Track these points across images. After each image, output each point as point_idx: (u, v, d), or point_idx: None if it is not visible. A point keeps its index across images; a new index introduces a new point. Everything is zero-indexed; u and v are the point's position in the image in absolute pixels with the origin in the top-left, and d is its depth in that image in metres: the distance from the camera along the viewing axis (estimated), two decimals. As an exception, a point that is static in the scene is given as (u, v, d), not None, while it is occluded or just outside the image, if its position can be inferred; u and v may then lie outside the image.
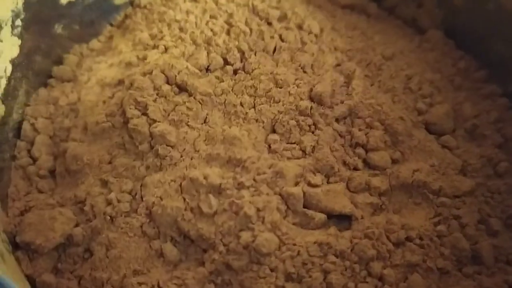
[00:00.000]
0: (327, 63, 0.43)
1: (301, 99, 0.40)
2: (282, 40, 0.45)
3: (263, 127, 0.39)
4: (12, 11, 0.40)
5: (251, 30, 0.45)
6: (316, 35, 0.45)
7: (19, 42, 0.41)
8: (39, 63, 0.45)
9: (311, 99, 0.40)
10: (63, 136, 0.43)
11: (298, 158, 0.38)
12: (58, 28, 0.46)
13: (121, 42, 0.48)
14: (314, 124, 0.39)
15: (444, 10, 0.49)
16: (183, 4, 0.49)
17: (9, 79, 0.41)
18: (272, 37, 0.45)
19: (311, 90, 0.41)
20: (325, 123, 0.39)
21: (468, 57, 0.47)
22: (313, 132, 0.39)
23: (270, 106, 0.40)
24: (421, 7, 0.51)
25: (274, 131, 0.39)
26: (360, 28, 0.48)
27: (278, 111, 0.40)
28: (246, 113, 0.40)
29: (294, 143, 0.39)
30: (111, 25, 0.51)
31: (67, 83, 0.46)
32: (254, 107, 0.40)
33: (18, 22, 0.41)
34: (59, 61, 0.47)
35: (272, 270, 0.34)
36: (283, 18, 0.46)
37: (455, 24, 0.48)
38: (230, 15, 0.47)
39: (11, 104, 0.42)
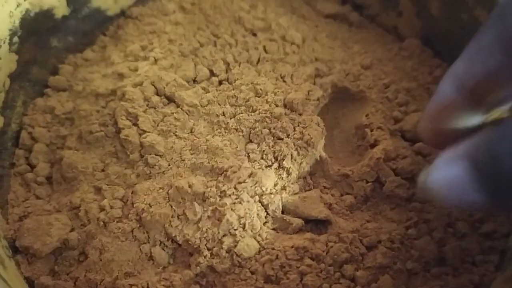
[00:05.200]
0: (306, 73, 0.45)
1: (276, 105, 0.43)
2: (266, 51, 0.47)
3: (242, 136, 0.42)
4: (10, 30, 0.42)
5: (236, 41, 0.48)
6: (298, 46, 0.48)
7: (17, 57, 0.44)
8: (36, 74, 0.47)
9: (285, 105, 0.43)
10: (59, 144, 0.45)
11: (275, 167, 0.41)
12: (54, 41, 0.48)
13: (114, 52, 0.50)
14: (283, 128, 0.41)
15: (422, 19, 0.51)
16: (172, 15, 0.51)
17: (7, 92, 0.44)
18: (256, 48, 0.47)
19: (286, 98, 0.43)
20: (293, 129, 0.42)
21: (445, 66, 0.49)
22: (282, 139, 0.41)
23: (248, 115, 0.42)
24: (401, 16, 0.53)
25: (250, 140, 0.42)
26: (341, 38, 0.50)
27: (255, 120, 0.42)
28: (227, 122, 0.42)
29: (268, 152, 0.41)
30: (104, 35, 0.53)
31: (62, 92, 0.48)
32: (234, 116, 0.43)
33: (16, 39, 0.43)
34: (55, 71, 0.49)
35: (252, 273, 0.37)
36: (267, 29, 0.49)
37: (433, 33, 0.50)
38: (217, 27, 0.49)
39: (9, 115, 0.44)
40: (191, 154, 0.41)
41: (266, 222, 0.39)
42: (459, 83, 0.30)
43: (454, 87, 0.31)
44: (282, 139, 0.41)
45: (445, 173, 0.28)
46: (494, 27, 0.28)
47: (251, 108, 0.43)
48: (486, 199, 0.27)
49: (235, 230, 0.38)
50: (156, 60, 0.47)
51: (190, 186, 0.39)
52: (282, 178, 0.40)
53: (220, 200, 0.38)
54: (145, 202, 0.40)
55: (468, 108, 0.30)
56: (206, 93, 0.44)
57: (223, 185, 0.39)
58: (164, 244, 0.39)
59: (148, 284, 0.38)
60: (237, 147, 0.41)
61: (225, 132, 0.42)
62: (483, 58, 0.29)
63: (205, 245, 0.38)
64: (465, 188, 0.27)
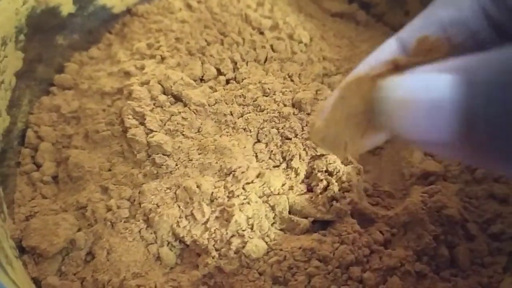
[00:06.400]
0: (314, 72, 0.45)
1: (284, 105, 0.42)
2: (273, 50, 0.47)
3: (250, 135, 0.42)
4: (16, 27, 0.42)
5: (243, 40, 0.47)
6: (306, 45, 0.47)
7: (23, 55, 0.44)
8: (41, 72, 0.47)
9: (293, 105, 0.43)
10: (65, 143, 0.45)
11: (283, 167, 0.40)
12: (59, 39, 0.48)
13: (120, 50, 0.49)
14: (291, 127, 0.41)
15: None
16: (179, 13, 0.51)
17: (13, 91, 0.43)
18: (263, 47, 0.47)
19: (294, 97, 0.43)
20: (301, 129, 0.41)
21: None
22: (291, 139, 0.41)
23: (256, 114, 0.42)
24: (408, 15, 0.52)
25: (258, 140, 0.42)
26: (348, 36, 0.50)
27: (263, 120, 0.42)
28: (235, 122, 0.42)
29: (276, 152, 0.41)
30: (110, 32, 0.52)
31: (68, 91, 0.48)
32: (242, 116, 0.42)
33: (22, 37, 0.43)
34: (61, 70, 0.49)
35: (260, 274, 0.37)
36: (274, 27, 0.48)
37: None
38: (224, 25, 0.49)
39: (15, 113, 0.44)
40: (199, 154, 0.41)
41: (274, 222, 0.39)
42: (401, 43, 0.28)
43: (396, 45, 0.28)
44: (291, 139, 0.41)
45: (423, 83, 0.20)
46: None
47: (259, 107, 0.42)
48: (466, 141, 0.19)
49: (243, 230, 0.37)
50: (162, 59, 0.47)
51: (198, 186, 0.39)
52: (290, 178, 0.40)
53: (228, 200, 0.38)
54: (152, 202, 0.40)
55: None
56: (214, 92, 0.44)
57: (231, 186, 0.39)
58: (171, 244, 0.39)
59: (155, 284, 0.37)
60: (245, 147, 0.41)
61: (233, 131, 0.42)
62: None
63: (213, 245, 0.38)
64: (444, 114, 0.19)
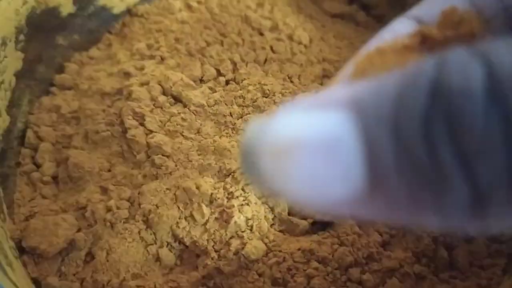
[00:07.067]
0: (314, 73, 0.45)
1: None
2: (273, 51, 0.47)
3: None
4: (16, 27, 0.42)
5: (243, 40, 0.47)
6: (305, 46, 0.48)
7: (23, 55, 0.44)
8: (42, 72, 0.47)
9: None
10: (65, 143, 0.45)
11: None
12: (59, 39, 0.48)
13: (120, 50, 0.50)
14: None
15: (429, 19, 0.50)
16: (178, 14, 0.51)
17: (13, 91, 0.43)
18: (263, 48, 0.47)
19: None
20: None
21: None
22: None
23: (256, 116, 0.42)
24: (408, 16, 0.52)
25: None
26: (348, 38, 0.50)
27: None
28: (235, 123, 0.42)
29: None
30: (110, 33, 0.52)
31: (68, 91, 0.48)
32: (241, 117, 0.43)
33: (22, 37, 0.43)
34: (61, 70, 0.49)
35: (260, 275, 0.37)
36: (274, 28, 0.48)
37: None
38: (224, 26, 0.49)
39: (15, 114, 0.44)
40: (199, 155, 0.41)
41: (273, 224, 0.39)
42: (417, 21, 0.24)
43: (411, 23, 0.24)
44: None
45: (308, 122, 0.15)
46: None
47: (258, 108, 0.43)
48: (376, 190, 0.15)
49: (242, 232, 0.38)
50: (162, 59, 0.47)
51: (197, 188, 0.39)
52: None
53: (227, 201, 0.38)
54: (152, 203, 0.40)
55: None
56: (213, 93, 0.44)
57: (231, 187, 0.39)
58: (171, 245, 0.39)
59: (155, 285, 0.37)
60: (244, 148, 0.41)
61: (233, 132, 0.42)
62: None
63: (213, 246, 0.38)
64: (342, 161, 0.15)
